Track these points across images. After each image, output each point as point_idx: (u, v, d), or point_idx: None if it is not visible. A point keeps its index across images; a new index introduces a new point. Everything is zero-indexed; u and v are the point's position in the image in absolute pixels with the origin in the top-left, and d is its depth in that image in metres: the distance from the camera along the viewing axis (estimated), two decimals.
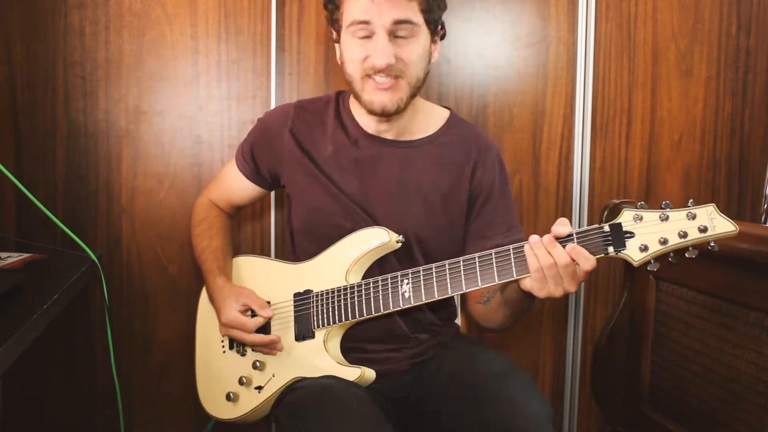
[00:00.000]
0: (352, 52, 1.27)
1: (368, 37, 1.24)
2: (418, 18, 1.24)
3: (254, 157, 1.46)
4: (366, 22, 1.23)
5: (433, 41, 1.32)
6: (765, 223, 1.76)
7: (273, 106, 1.85)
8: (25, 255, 1.52)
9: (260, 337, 1.32)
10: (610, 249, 1.07)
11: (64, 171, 1.82)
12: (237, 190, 1.51)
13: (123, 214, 1.85)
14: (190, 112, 1.85)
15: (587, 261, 1.07)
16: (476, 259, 1.16)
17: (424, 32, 1.27)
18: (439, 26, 1.34)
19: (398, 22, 1.22)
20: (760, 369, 1.37)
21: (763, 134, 2.04)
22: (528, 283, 1.11)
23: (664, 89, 1.98)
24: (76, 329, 1.86)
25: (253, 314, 1.35)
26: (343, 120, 1.40)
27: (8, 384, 1.75)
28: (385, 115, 1.29)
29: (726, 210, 2.13)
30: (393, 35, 1.23)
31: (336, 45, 1.35)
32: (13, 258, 1.48)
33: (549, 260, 1.07)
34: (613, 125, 1.98)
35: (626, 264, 1.08)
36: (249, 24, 1.84)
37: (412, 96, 1.30)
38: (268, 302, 1.37)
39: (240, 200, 1.54)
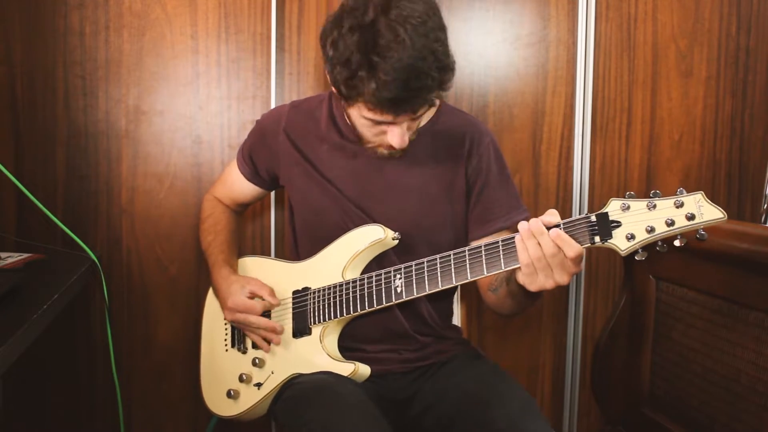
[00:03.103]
0: (366, 124, 1.24)
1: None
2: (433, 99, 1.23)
3: (252, 158, 1.48)
4: (387, 122, 1.21)
5: None
6: (765, 223, 1.76)
7: (273, 106, 1.86)
8: (25, 255, 1.52)
9: (265, 320, 1.34)
10: (597, 239, 1.07)
11: (64, 171, 1.82)
12: (238, 189, 1.54)
13: (123, 214, 1.85)
14: (190, 112, 1.85)
15: (571, 248, 1.06)
16: (466, 252, 1.17)
17: None
18: None
19: (418, 116, 1.23)
20: (760, 369, 1.37)
21: (763, 134, 2.03)
22: (520, 277, 1.11)
23: (664, 89, 1.98)
24: (76, 329, 1.86)
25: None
26: (336, 119, 1.41)
27: (8, 384, 1.74)
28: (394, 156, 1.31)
29: (726, 210, 2.14)
30: None
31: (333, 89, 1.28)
32: (14, 258, 1.49)
33: (537, 252, 1.07)
34: (613, 125, 1.98)
35: (626, 263, 1.08)
36: (249, 24, 1.84)
37: None
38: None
39: (243, 199, 1.57)
